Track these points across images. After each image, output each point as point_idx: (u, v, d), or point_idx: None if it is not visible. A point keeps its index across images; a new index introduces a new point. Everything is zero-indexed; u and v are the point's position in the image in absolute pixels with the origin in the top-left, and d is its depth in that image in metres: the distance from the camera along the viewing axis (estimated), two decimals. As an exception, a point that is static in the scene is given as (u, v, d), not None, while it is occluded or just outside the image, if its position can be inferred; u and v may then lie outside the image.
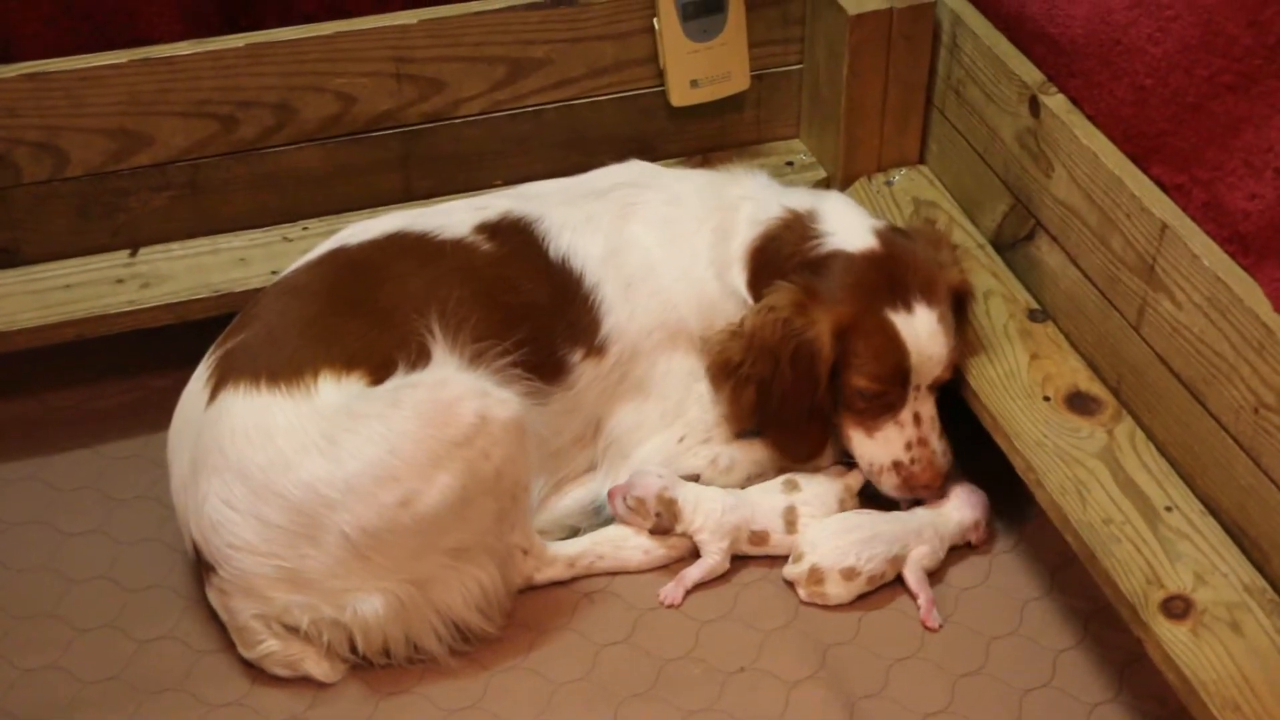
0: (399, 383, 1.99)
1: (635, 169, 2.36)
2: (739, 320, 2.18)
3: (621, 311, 2.18)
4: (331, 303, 2.08)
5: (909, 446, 2.16)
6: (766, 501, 2.20)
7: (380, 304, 2.08)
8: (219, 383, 2.03)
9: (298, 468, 1.93)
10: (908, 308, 2.10)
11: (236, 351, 2.06)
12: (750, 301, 2.20)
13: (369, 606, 1.96)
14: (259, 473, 1.94)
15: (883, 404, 2.14)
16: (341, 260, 2.16)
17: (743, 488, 2.24)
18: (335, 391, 1.99)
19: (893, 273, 2.11)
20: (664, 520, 2.15)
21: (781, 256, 2.18)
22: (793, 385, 2.12)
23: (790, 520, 2.18)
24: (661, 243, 2.23)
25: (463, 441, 1.95)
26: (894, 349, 2.10)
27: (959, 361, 2.18)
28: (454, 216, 2.21)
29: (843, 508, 2.20)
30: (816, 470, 2.25)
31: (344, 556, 1.94)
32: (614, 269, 2.19)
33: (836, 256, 2.14)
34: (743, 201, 2.26)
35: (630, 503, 2.16)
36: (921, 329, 2.10)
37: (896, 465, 2.17)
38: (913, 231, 2.24)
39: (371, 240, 2.17)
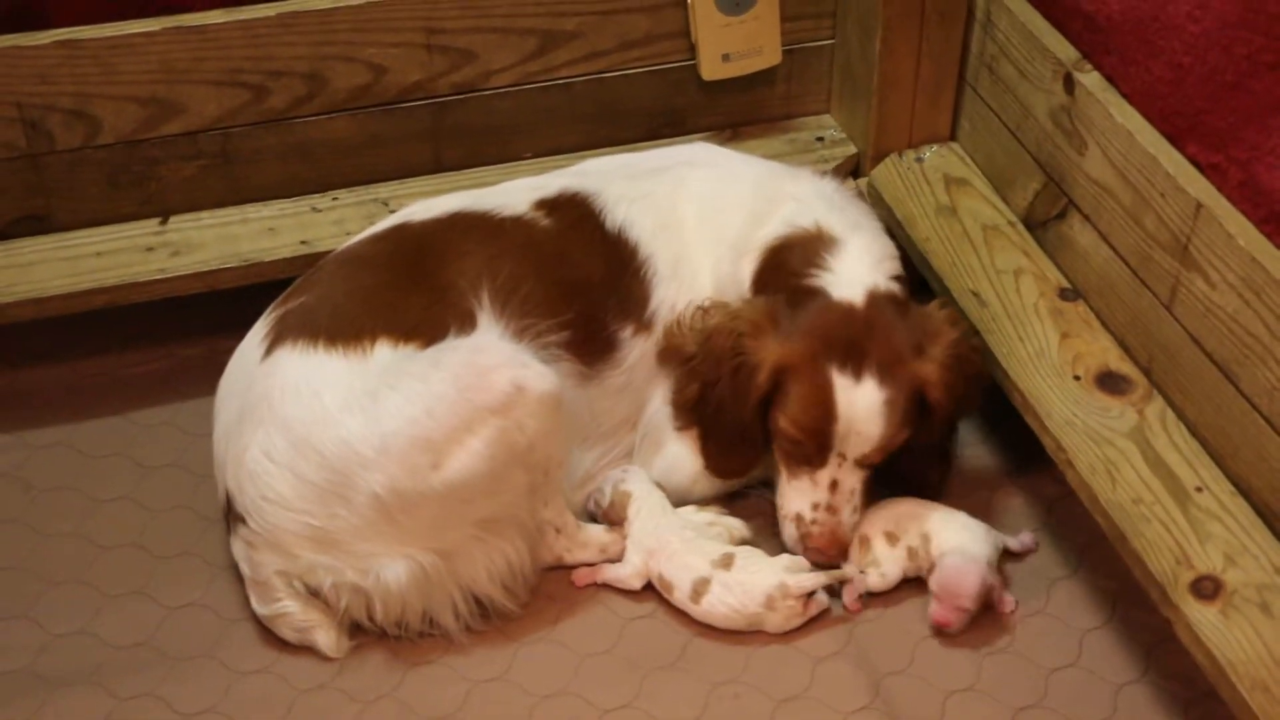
0: (443, 345, 2.01)
1: (698, 148, 2.37)
2: (705, 311, 2.14)
3: (670, 286, 2.19)
4: (394, 275, 2.10)
5: (815, 507, 2.09)
6: (686, 555, 2.08)
7: (441, 280, 2.09)
8: (276, 340, 2.05)
9: (337, 424, 1.95)
10: (856, 376, 2.01)
11: (296, 312, 2.08)
12: (749, 295, 2.17)
13: (392, 573, 1.97)
14: (300, 427, 1.96)
15: (801, 454, 2.09)
16: (405, 235, 2.17)
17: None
18: (391, 358, 2.00)
19: (857, 336, 2.03)
20: (615, 511, 2.15)
21: (785, 270, 2.14)
22: (729, 399, 2.09)
23: (699, 591, 2.05)
24: (699, 218, 2.22)
25: (496, 409, 1.95)
26: (822, 407, 2.02)
27: (893, 448, 2.07)
28: (513, 196, 2.23)
29: (769, 605, 2.04)
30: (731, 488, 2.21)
31: (374, 518, 1.95)
32: (665, 243, 2.19)
33: (817, 296, 2.08)
34: (789, 200, 2.22)
35: (598, 498, 2.18)
36: (860, 402, 2.01)
37: (799, 518, 2.11)
38: (915, 310, 2.11)
39: (434, 218, 2.19)
